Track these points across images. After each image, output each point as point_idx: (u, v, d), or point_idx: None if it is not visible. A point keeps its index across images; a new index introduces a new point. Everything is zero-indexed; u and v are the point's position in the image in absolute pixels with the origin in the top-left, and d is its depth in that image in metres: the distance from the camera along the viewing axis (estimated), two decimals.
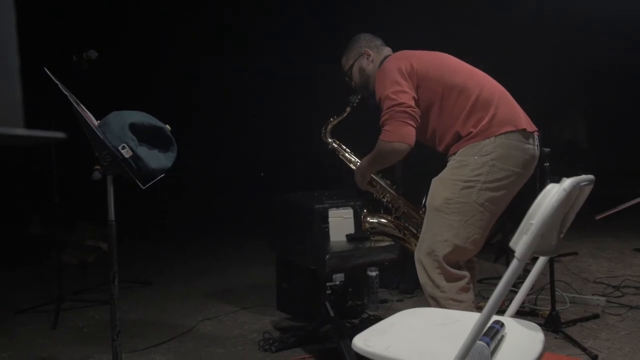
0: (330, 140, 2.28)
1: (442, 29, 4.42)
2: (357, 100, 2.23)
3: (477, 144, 1.82)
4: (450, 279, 1.80)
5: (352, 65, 2.17)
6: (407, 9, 4.80)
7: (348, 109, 2.25)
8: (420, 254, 1.86)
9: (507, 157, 1.80)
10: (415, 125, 1.86)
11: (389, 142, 1.87)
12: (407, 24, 4.37)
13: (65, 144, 0.66)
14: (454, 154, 1.88)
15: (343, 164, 2.28)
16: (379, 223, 2.15)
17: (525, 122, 1.86)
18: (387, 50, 2.14)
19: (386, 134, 1.87)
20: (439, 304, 1.80)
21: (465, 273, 1.84)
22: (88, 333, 2.74)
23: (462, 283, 1.81)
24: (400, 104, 1.85)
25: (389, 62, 2.01)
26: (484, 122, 1.82)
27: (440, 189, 1.85)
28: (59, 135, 0.58)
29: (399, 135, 1.85)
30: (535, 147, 1.87)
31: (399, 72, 1.91)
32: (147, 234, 5.14)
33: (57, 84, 1.65)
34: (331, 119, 2.28)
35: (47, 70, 1.63)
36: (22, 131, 0.55)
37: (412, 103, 1.87)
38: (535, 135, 1.88)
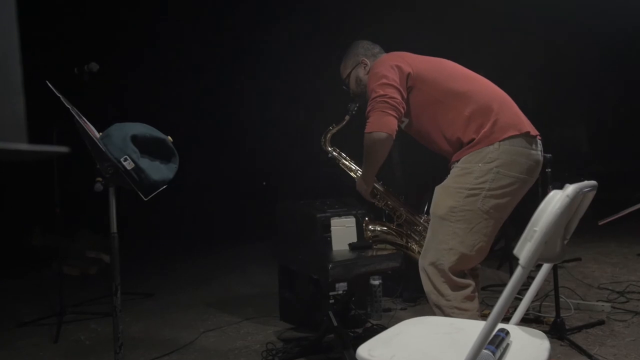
0: (330, 148, 2.28)
1: (439, 34, 4.44)
2: (355, 109, 2.23)
3: (481, 151, 1.81)
4: (455, 287, 1.79)
5: (349, 74, 2.18)
6: (403, 14, 4.83)
7: (347, 117, 2.25)
8: (424, 262, 1.85)
9: (511, 163, 1.79)
10: (396, 115, 1.86)
11: (369, 132, 1.87)
12: (404, 30, 4.39)
13: (67, 155, 0.66)
14: (457, 161, 1.87)
15: (344, 173, 2.28)
16: (381, 231, 2.14)
17: (528, 125, 1.85)
18: None
19: (367, 125, 1.89)
20: (443, 313, 1.79)
21: (470, 281, 1.82)
22: (90, 346, 2.73)
23: (467, 291, 1.80)
24: (383, 95, 1.86)
25: (382, 58, 2.02)
26: (485, 129, 1.81)
27: (444, 197, 1.84)
28: (62, 149, 0.58)
29: (378, 124, 1.85)
30: (539, 152, 1.87)
31: (389, 67, 1.91)
32: (148, 243, 5.12)
33: (59, 97, 1.65)
34: (330, 128, 2.28)
35: (49, 84, 1.64)
36: (25, 146, 0.55)
37: (397, 95, 1.87)
38: (538, 139, 1.88)
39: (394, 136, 1.87)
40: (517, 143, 1.80)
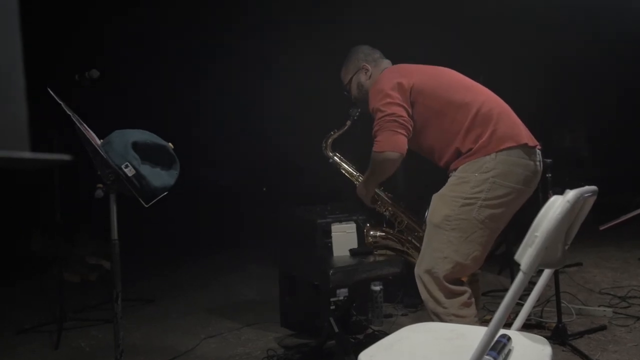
0: (331, 154, 2.29)
1: (439, 40, 4.45)
2: (357, 114, 2.24)
3: (478, 161, 1.81)
4: (450, 295, 1.79)
5: (350, 80, 2.18)
6: (402, 20, 4.85)
7: (348, 123, 2.25)
8: (419, 270, 1.85)
9: (508, 174, 1.79)
10: (406, 134, 1.87)
11: (381, 152, 1.88)
12: (404, 34, 4.41)
13: (68, 161, 0.66)
14: (455, 170, 1.88)
15: (345, 178, 2.28)
16: (382, 237, 2.14)
17: (526, 136, 1.85)
18: (386, 62, 2.15)
19: (377, 144, 1.88)
20: (441, 320, 1.78)
21: (466, 288, 1.83)
22: (91, 353, 2.72)
23: (464, 298, 1.80)
24: (391, 114, 1.86)
25: (384, 75, 2.02)
26: (483, 139, 1.82)
27: (440, 205, 1.85)
28: (64, 157, 0.58)
29: (390, 144, 1.85)
30: (537, 163, 1.86)
31: (391, 85, 1.91)
32: (148, 248, 5.12)
33: (60, 104, 1.66)
34: (332, 133, 2.28)
35: (50, 91, 1.64)
36: (28, 154, 0.55)
37: (404, 114, 1.88)
38: (537, 150, 1.87)
39: (404, 155, 1.87)
40: (514, 154, 1.80)
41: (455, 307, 1.78)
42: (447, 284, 1.79)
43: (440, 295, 1.79)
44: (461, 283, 1.83)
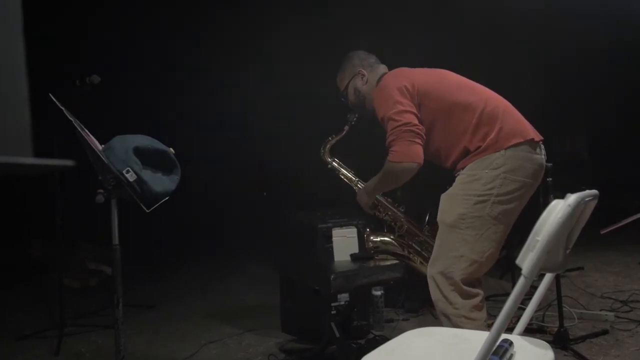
0: (329, 159, 2.29)
1: (439, 45, 4.47)
2: (354, 119, 2.25)
3: (487, 158, 1.83)
4: (465, 296, 1.79)
5: (347, 85, 2.18)
6: (401, 21, 4.86)
7: (346, 128, 2.26)
8: (433, 270, 1.85)
9: (517, 168, 1.81)
10: (422, 143, 1.87)
11: (399, 162, 1.87)
12: (403, 39, 4.42)
13: (69, 166, 0.66)
14: (462, 169, 1.88)
15: (344, 183, 2.28)
16: (383, 242, 2.14)
17: (532, 131, 1.88)
18: (382, 67, 2.15)
19: (394, 154, 1.87)
20: (450, 321, 1.78)
21: (479, 291, 1.83)
22: (91, 359, 2.71)
23: (476, 301, 1.80)
24: (406, 123, 1.86)
25: (388, 80, 2.01)
26: (491, 136, 1.83)
27: (452, 204, 1.85)
28: (67, 163, 0.59)
29: (407, 154, 1.85)
30: (543, 156, 1.90)
31: (399, 91, 1.91)
32: (148, 253, 5.11)
33: (61, 110, 1.66)
34: (330, 138, 2.29)
35: (52, 97, 1.65)
36: (31, 160, 0.56)
37: (416, 121, 1.88)
38: (541, 144, 1.91)
39: (422, 165, 1.88)
40: (522, 149, 1.83)
41: (466, 308, 1.78)
42: (462, 285, 1.79)
43: (453, 296, 1.79)
44: (475, 285, 1.83)
